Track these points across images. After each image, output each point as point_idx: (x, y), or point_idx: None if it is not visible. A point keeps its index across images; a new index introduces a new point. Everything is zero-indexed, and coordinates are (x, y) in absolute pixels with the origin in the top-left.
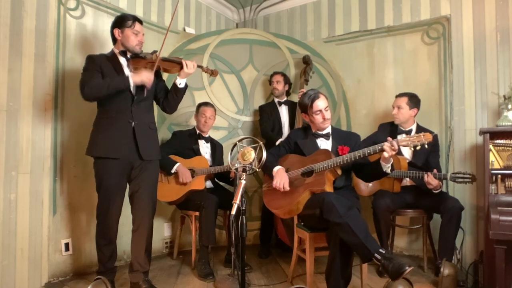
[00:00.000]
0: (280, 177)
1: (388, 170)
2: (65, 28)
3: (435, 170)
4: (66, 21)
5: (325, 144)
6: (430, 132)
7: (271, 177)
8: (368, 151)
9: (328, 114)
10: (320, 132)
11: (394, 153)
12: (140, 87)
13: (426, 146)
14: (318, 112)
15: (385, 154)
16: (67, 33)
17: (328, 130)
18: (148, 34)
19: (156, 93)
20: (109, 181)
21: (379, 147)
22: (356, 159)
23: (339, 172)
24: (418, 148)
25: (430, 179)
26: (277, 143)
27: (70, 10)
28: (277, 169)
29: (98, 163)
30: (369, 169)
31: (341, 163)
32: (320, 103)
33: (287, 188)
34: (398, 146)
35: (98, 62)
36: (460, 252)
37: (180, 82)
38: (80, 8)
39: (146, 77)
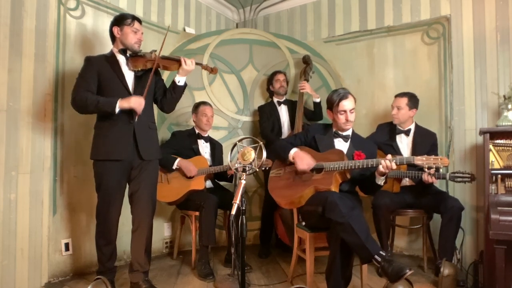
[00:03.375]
0: (301, 160)
1: (381, 183)
2: (65, 28)
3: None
4: (66, 21)
5: (342, 145)
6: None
7: (284, 162)
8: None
9: (352, 117)
10: (340, 133)
11: (388, 171)
12: (139, 87)
13: (441, 170)
14: (343, 112)
15: (381, 168)
16: (67, 33)
17: (349, 132)
18: (148, 34)
19: (154, 92)
20: (109, 182)
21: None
22: (368, 168)
23: (349, 176)
24: (432, 170)
25: (428, 178)
26: None
27: (70, 10)
28: (295, 152)
29: (98, 165)
30: (368, 181)
31: (353, 167)
32: (347, 104)
33: (313, 164)
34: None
35: (96, 65)
36: (460, 252)
37: (179, 80)
38: (80, 8)
39: (135, 102)
